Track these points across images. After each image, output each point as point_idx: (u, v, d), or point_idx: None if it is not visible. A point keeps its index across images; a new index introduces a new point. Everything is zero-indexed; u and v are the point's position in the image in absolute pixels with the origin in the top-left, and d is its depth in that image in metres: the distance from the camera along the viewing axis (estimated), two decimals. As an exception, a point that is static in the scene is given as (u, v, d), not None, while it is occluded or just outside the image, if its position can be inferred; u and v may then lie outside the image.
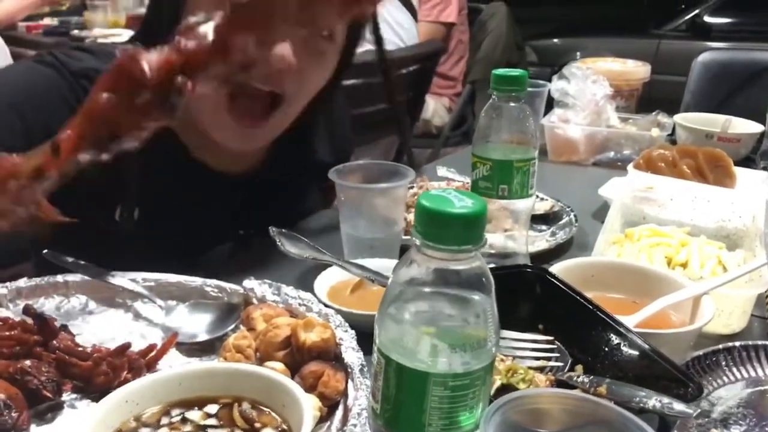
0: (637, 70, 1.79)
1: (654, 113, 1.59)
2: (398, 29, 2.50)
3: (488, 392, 0.50)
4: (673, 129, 1.59)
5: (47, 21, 3.28)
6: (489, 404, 0.50)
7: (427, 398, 0.48)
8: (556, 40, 6.83)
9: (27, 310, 0.78)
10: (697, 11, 6.43)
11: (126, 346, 0.75)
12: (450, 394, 0.48)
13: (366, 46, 2.64)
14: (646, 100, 1.85)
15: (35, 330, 0.76)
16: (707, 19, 6.34)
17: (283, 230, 0.94)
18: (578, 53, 6.68)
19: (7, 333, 0.75)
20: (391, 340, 0.49)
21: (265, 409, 0.60)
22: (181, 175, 1.05)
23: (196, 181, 1.07)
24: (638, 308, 0.83)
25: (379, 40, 1.15)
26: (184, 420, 0.59)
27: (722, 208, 1.12)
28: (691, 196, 1.15)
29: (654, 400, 0.57)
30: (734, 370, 0.79)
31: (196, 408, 0.60)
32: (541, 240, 1.13)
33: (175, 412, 0.60)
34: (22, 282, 0.88)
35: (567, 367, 0.73)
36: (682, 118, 1.59)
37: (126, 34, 3.01)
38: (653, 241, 1.04)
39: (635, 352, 0.71)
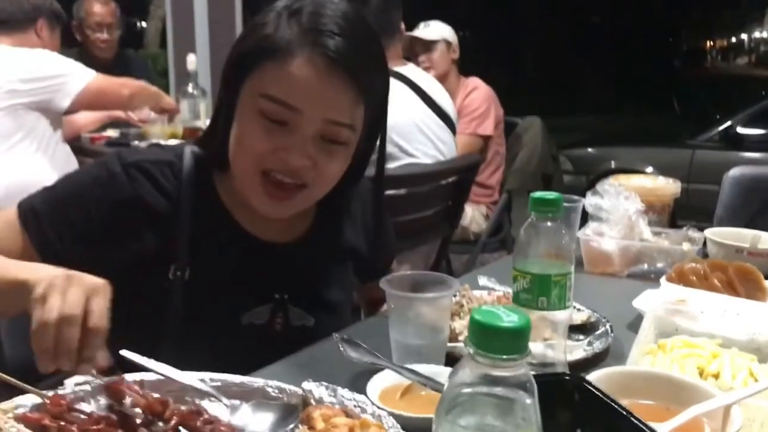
0: (668, 186, 1.88)
1: (685, 228, 1.67)
2: (439, 144, 2.65)
3: (533, 486, 0.57)
4: (704, 243, 1.66)
5: (109, 132, 3.53)
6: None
7: (480, 490, 0.55)
8: (590, 149, 7.01)
9: (111, 408, 0.87)
10: (729, 122, 6.58)
11: (199, 441, 0.82)
12: (499, 487, 0.54)
13: (405, 160, 2.78)
14: (684, 208, 1.91)
15: (117, 424, 0.85)
16: (740, 130, 6.48)
17: (345, 336, 1.03)
18: (612, 162, 6.84)
19: (94, 427, 0.84)
20: (446, 437, 0.57)
21: (330, 499, 0.66)
22: (230, 242, 1.23)
23: (243, 248, 1.24)
24: (671, 415, 0.88)
25: (382, 155, 1.31)
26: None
27: (753, 321, 1.17)
28: (721, 308, 1.21)
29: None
30: (766, 479, 0.83)
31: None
32: (579, 349, 1.19)
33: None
34: (103, 380, 0.97)
35: (604, 471, 0.78)
36: (712, 233, 1.66)
37: (182, 145, 3.23)
38: (685, 352, 1.09)
39: (668, 458, 0.76)
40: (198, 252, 1.20)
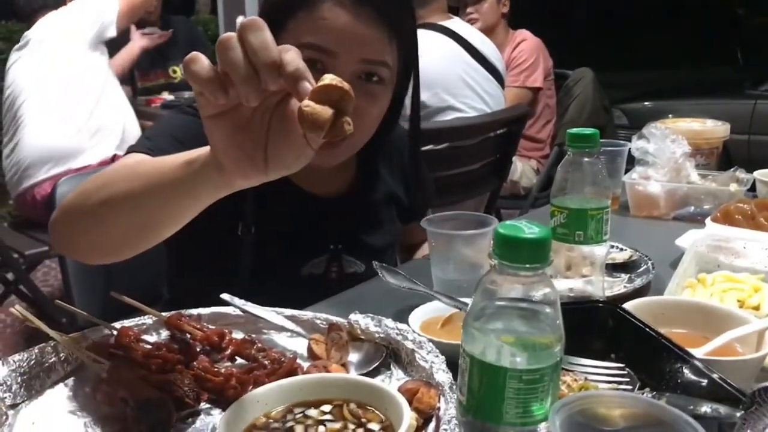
0: (716, 129, 1.85)
1: (732, 169, 1.65)
2: (486, 97, 2.65)
3: (556, 388, 0.61)
4: (753, 184, 1.64)
5: (164, 95, 3.64)
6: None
7: (505, 390, 0.59)
8: (647, 103, 6.82)
9: (173, 338, 0.94)
10: (793, 71, 6.33)
11: (253, 368, 0.88)
12: (523, 387, 0.58)
13: (451, 114, 2.78)
14: (745, 160, 1.87)
15: (178, 351, 0.91)
16: (806, 78, 6.22)
17: (384, 264, 1.07)
18: (670, 115, 6.65)
19: (156, 352, 0.91)
20: (475, 342, 0.61)
21: (370, 408, 0.72)
22: (287, 199, 1.27)
23: (299, 203, 1.29)
24: (707, 342, 0.90)
25: (416, 97, 1.33)
26: (305, 416, 0.72)
27: (798, 257, 1.17)
28: (764, 244, 1.21)
29: (705, 407, 0.66)
30: (799, 401, 0.85)
31: (314, 407, 0.73)
32: (619, 285, 1.21)
33: (297, 410, 0.73)
34: (163, 315, 1.04)
35: (635, 390, 0.81)
36: (761, 173, 1.64)
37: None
38: (726, 286, 1.11)
39: (698, 378, 0.79)
40: (262, 209, 1.24)
